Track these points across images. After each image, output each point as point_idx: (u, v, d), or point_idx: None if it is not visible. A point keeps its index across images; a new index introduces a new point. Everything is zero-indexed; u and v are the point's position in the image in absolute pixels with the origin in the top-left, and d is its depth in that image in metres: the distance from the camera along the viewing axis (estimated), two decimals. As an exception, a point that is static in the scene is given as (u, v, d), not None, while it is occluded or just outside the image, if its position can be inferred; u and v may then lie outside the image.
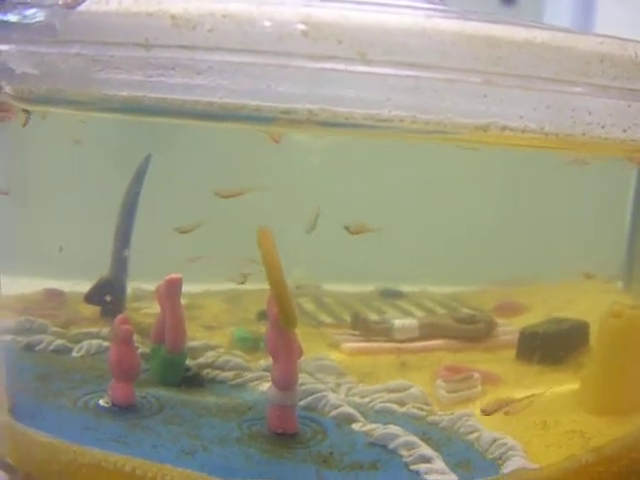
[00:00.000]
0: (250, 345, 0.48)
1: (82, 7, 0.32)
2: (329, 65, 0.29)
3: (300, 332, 0.49)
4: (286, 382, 0.37)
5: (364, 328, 0.52)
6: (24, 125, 0.37)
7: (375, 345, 0.51)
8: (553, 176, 0.49)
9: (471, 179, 0.51)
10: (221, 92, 0.30)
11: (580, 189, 0.52)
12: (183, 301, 0.49)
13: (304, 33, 0.29)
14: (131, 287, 0.51)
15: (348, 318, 0.54)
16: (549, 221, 0.53)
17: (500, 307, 0.57)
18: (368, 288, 0.59)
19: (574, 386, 0.45)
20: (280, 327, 0.36)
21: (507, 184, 0.53)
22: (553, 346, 0.49)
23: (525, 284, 0.59)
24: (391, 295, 0.59)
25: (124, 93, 0.31)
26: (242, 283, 0.44)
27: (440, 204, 0.52)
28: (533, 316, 0.54)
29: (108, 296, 0.48)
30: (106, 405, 0.40)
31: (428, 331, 0.52)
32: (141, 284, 0.52)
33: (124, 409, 0.40)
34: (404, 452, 0.37)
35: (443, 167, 0.47)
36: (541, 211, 0.53)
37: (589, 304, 0.53)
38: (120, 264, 0.50)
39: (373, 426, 0.39)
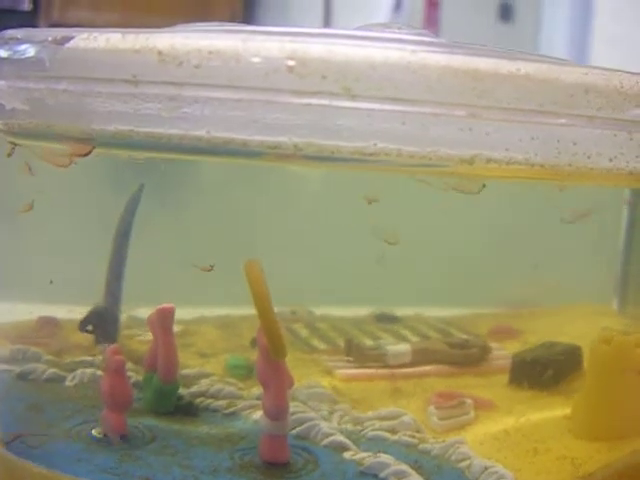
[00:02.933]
0: (243, 373, 0.48)
1: (71, 43, 0.32)
2: (314, 101, 0.30)
3: (294, 358, 0.49)
4: (277, 412, 0.38)
5: (358, 354, 0.52)
6: (9, 156, 0.37)
7: (369, 371, 0.51)
8: (546, 201, 0.49)
9: (467, 204, 0.51)
10: (208, 127, 0.30)
11: (573, 212, 0.53)
12: (178, 328, 0.49)
13: (289, 69, 0.30)
14: (126, 314, 0.51)
15: (342, 344, 0.54)
16: (543, 245, 0.53)
17: (494, 331, 0.57)
18: (363, 312, 0.59)
19: (566, 411, 0.45)
20: (270, 357, 0.37)
21: (502, 209, 0.53)
22: (545, 371, 0.49)
23: (519, 308, 0.59)
24: (386, 319, 0.59)
25: (111, 128, 0.31)
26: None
27: (436, 228, 0.52)
28: (527, 340, 0.54)
29: (96, 325, 0.48)
30: (98, 435, 0.40)
31: (421, 356, 0.52)
32: (136, 311, 0.52)
33: (116, 439, 0.40)
34: (395, 481, 0.37)
35: (437, 192, 0.47)
36: (536, 235, 0.53)
37: (582, 328, 0.53)
38: (114, 292, 0.50)
39: (364, 455, 0.39)
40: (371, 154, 0.30)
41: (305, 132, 0.30)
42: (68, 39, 0.32)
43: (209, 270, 0.45)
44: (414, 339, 0.56)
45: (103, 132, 0.32)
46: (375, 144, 0.30)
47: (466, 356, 0.53)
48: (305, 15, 2.39)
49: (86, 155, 0.34)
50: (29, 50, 0.33)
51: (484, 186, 0.35)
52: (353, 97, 0.30)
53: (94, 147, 0.33)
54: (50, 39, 0.32)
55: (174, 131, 0.31)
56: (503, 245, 0.53)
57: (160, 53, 0.30)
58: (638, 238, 0.58)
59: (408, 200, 0.48)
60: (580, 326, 0.53)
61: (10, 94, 0.33)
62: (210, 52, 0.30)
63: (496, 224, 0.53)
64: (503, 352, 0.54)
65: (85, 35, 0.32)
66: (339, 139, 0.30)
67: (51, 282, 0.44)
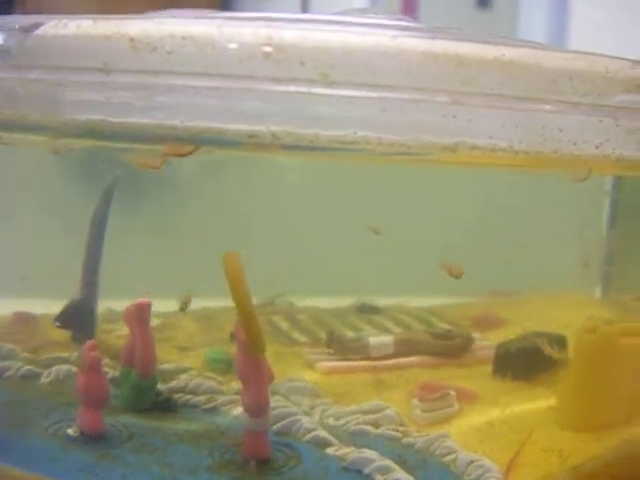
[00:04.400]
0: (222, 367, 0.47)
1: (40, 31, 0.31)
2: (292, 87, 0.29)
3: (274, 352, 0.48)
4: (257, 408, 0.37)
5: (339, 346, 0.51)
6: None
7: (351, 364, 0.50)
8: (531, 188, 0.49)
9: (451, 193, 0.50)
10: (182, 115, 0.29)
11: (557, 200, 0.52)
12: (157, 321, 0.48)
13: (266, 55, 0.29)
14: (103, 308, 0.51)
15: (323, 336, 0.54)
16: (527, 233, 0.53)
17: (478, 320, 0.57)
18: (344, 303, 0.59)
19: (551, 402, 0.44)
20: (249, 352, 0.36)
21: (486, 197, 0.53)
22: (530, 361, 0.48)
23: (504, 297, 0.59)
24: (367, 310, 0.58)
25: (83, 118, 0.30)
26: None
27: (420, 217, 0.52)
28: (511, 330, 0.53)
29: (72, 320, 0.47)
30: (74, 434, 0.39)
31: (404, 348, 0.51)
32: (113, 305, 0.51)
33: (93, 438, 0.39)
34: (379, 477, 0.37)
35: (422, 181, 0.46)
36: (519, 223, 0.53)
37: (567, 317, 0.52)
38: (89, 286, 0.49)
39: (347, 450, 0.39)
40: (351, 142, 0.29)
41: (283, 120, 0.29)
42: (37, 26, 0.31)
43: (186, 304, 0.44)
44: (397, 330, 0.55)
45: (75, 122, 0.31)
46: (355, 132, 0.29)
47: (449, 347, 0.52)
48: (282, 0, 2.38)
49: (187, 155, 0.32)
50: (-3, 38, 0.32)
51: (590, 171, 0.34)
52: (331, 84, 0.29)
53: (196, 148, 0.32)
54: (17, 27, 0.31)
55: (147, 120, 0.30)
56: (486, 233, 0.52)
57: (132, 39, 0.29)
58: (620, 227, 0.58)
59: (389, 189, 0.48)
60: (565, 315, 0.52)
61: (-21, 84, 0.32)
62: (184, 38, 0.29)
63: (479, 212, 0.52)
64: (487, 342, 0.53)
65: (55, 22, 0.31)
66: (318, 127, 0.29)
67: (22, 279, 0.43)
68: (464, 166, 0.34)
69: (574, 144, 0.32)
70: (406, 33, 0.30)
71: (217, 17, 0.32)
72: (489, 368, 0.49)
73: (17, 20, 0.32)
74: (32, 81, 0.31)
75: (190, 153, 0.32)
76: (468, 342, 0.53)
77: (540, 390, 0.47)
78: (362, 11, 0.40)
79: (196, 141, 0.31)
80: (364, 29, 0.30)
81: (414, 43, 0.30)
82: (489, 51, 0.30)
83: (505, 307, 0.57)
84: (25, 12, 2.38)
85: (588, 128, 0.32)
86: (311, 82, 0.29)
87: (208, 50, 0.29)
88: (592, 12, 1.67)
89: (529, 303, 0.56)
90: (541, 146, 0.31)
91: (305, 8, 2.04)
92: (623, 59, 0.34)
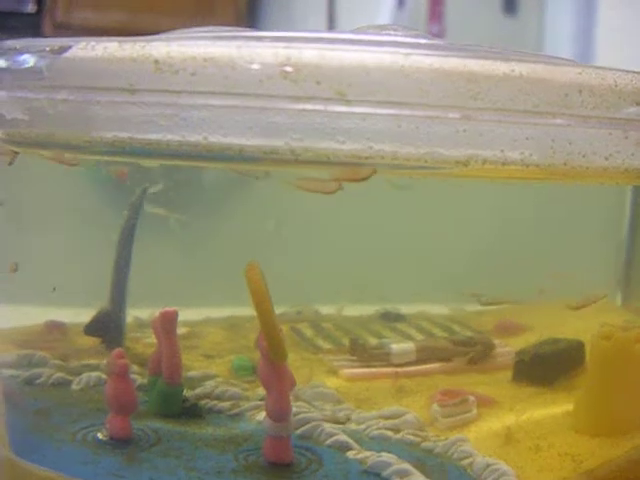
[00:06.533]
0: (248, 374, 0.48)
1: (69, 53, 0.32)
2: (309, 106, 0.30)
3: (299, 358, 0.49)
4: (279, 413, 0.38)
5: (362, 353, 0.52)
6: (10, 164, 0.37)
7: (373, 370, 0.51)
8: (549, 195, 0.50)
9: (470, 201, 0.51)
10: (205, 133, 0.31)
11: (576, 207, 0.53)
12: (184, 329, 0.50)
13: (284, 75, 0.30)
14: (132, 317, 0.52)
15: (347, 343, 0.55)
16: (547, 240, 0.53)
17: (499, 327, 0.58)
18: (369, 311, 0.60)
19: (569, 407, 0.45)
20: (271, 360, 0.37)
21: (506, 204, 0.53)
22: (549, 367, 0.49)
23: (524, 303, 0.59)
24: (391, 318, 0.59)
25: (110, 136, 0.32)
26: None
27: (445, 227, 0.52)
28: (531, 336, 0.54)
29: (102, 329, 0.49)
30: (104, 439, 0.41)
31: (425, 354, 0.52)
32: (142, 314, 0.52)
33: (122, 442, 0.40)
34: (397, 480, 0.38)
35: (447, 194, 0.47)
36: (539, 230, 0.54)
37: (586, 323, 0.53)
38: (118, 295, 0.50)
39: (367, 454, 0.40)
40: (367, 157, 0.31)
41: (301, 137, 0.30)
42: (66, 49, 0.32)
43: None
44: (419, 337, 0.56)
45: (102, 140, 0.32)
46: (371, 147, 0.31)
47: (470, 353, 0.53)
48: (309, 11, 2.39)
49: (364, 180, 0.33)
50: (28, 60, 0.33)
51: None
52: (347, 102, 0.30)
53: (375, 171, 0.32)
54: (48, 49, 0.33)
55: (171, 137, 0.31)
56: (506, 240, 0.53)
57: (156, 62, 0.31)
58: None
59: (410, 198, 0.49)
60: (584, 321, 0.53)
61: (10, 104, 0.34)
62: (205, 60, 0.30)
63: (501, 221, 0.53)
64: (507, 349, 0.54)
65: (83, 44, 0.32)
66: (335, 143, 0.31)
67: (54, 289, 0.44)
68: (484, 179, 0.35)
69: (583, 156, 0.33)
70: (419, 51, 0.31)
71: (237, 37, 0.33)
72: (509, 374, 0.50)
73: (47, 43, 0.34)
74: (61, 101, 0.32)
75: (367, 177, 0.33)
76: (489, 348, 0.54)
77: (559, 396, 0.47)
78: (381, 27, 0.41)
79: (219, 157, 0.32)
80: (379, 48, 0.32)
81: (427, 61, 0.31)
82: (499, 67, 0.31)
83: (526, 314, 0.58)
84: (54, 25, 2.41)
85: (597, 140, 0.33)
86: (328, 100, 0.30)
87: (228, 71, 0.30)
88: (619, 18, 1.67)
89: (548, 309, 0.57)
90: (551, 159, 0.32)
91: (332, 19, 2.05)
92: (632, 72, 0.34)
